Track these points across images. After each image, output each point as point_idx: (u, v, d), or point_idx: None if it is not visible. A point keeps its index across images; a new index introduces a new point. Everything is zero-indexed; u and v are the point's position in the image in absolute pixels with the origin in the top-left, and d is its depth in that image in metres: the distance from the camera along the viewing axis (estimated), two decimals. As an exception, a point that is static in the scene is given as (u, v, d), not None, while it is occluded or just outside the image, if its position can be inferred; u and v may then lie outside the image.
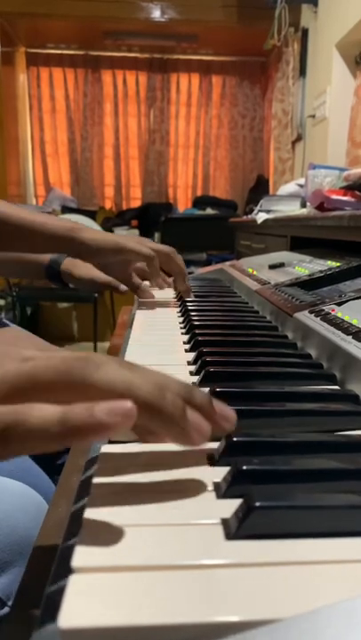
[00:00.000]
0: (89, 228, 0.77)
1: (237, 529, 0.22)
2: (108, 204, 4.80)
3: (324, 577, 0.20)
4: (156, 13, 3.80)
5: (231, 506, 0.24)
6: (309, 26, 3.11)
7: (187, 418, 0.26)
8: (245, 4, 3.56)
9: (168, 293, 0.96)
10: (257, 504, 0.22)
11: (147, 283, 0.92)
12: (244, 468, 0.26)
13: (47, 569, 0.23)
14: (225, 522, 0.23)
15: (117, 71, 4.66)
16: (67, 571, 0.20)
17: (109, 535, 0.22)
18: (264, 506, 0.22)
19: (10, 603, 0.45)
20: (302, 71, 3.24)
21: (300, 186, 2.14)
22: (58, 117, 4.68)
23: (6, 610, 0.45)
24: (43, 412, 0.23)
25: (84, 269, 0.95)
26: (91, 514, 0.24)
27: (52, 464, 0.68)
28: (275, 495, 0.23)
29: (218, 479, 0.27)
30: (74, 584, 0.19)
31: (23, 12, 3.69)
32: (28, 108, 4.64)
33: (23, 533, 0.47)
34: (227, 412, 0.29)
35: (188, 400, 0.27)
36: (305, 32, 3.17)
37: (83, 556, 0.21)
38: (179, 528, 0.23)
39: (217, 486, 0.27)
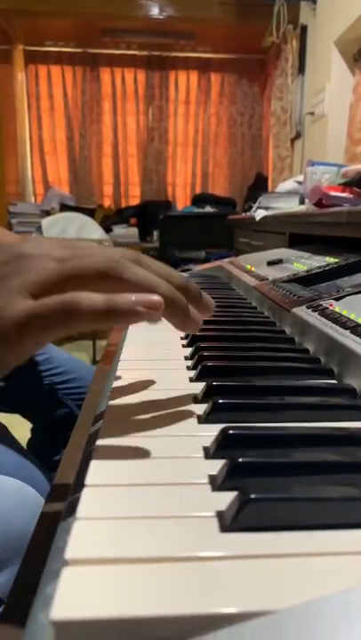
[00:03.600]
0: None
1: (232, 521, 0.22)
2: (107, 202, 4.80)
3: (321, 569, 0.20)
4: (155, 11, 3.80)
5: (226, 498, 0.24)
6: (308, 23, 3.10)
7: (189, 310, 0.35)
8: (243, 2, 3.55)
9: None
10: (252, 496, 0.22)
11: None
12: (241, 460, 0.26)
13: (42, 565, 0.23)
14: (220, 514, 0.23)
15: (116, 69, 4.66)
16: (60, 564, 0.20)
17: (103, 527, 0.22)
18: (259, 498, 0.22)
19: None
20: (301, 68, 3.24)
21: (299, 183, 2.14)
22: (56, 115, 4.67)
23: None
24: (92, 297, 0.29)
25: None
26: (85, 506, 0.24)
27: (49, 460, 0.67)
28: (270, 487, 0.23)
29: (213, 472, 0.27)
30: (67, 576, 0.19)
31: (21, 10, 3.68)
32: (26, 107, 4.63)
33: (20, 531, 0.47)
34: (209, 300, 0.39)
35: (185, 288, 0.36)
36: (304, 29, 3.16)
37: (76, 548, 0.21)
38: (173, 520, 0.23)
39: (212, 479, 0.26)
